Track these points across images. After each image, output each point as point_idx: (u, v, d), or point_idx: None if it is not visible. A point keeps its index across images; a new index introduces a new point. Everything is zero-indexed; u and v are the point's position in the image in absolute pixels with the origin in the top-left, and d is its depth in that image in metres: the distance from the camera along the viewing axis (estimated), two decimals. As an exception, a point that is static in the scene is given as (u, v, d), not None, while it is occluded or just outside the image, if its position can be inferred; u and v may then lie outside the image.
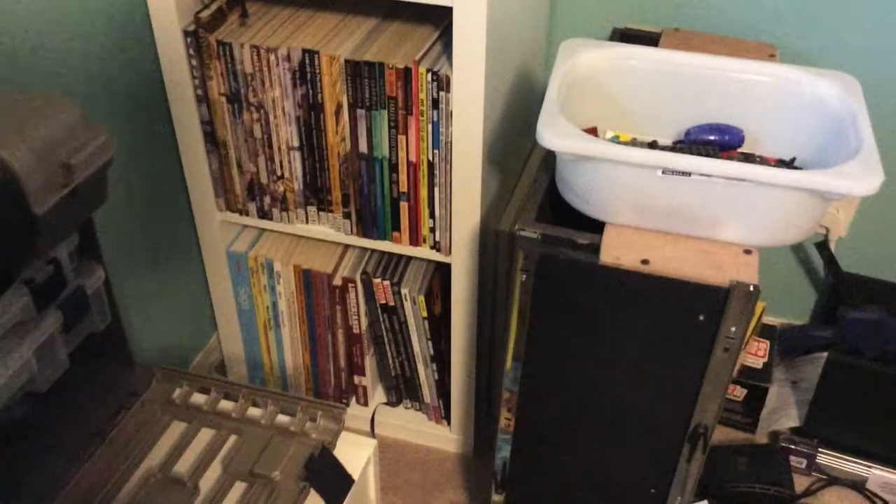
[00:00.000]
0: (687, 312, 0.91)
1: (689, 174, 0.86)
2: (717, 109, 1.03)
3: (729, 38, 1.31)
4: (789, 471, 1.42)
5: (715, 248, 0.92)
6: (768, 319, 1.66)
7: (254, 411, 1.01)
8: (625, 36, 1.34)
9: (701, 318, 0.90)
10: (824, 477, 1.46)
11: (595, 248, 0.92)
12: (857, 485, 1.45)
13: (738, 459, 1.44)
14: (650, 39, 1.31)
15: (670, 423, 1.00)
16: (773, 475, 1.41)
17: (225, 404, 1.02)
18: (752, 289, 0.87)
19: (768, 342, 1.58)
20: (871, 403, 1.43)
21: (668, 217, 0.92)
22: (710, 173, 0.84)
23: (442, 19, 1.21)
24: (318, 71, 1.14)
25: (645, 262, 0.90)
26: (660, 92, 1.03)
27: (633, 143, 1.01)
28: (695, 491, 1.39)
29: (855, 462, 1.46)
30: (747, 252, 0.91)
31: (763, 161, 1.00)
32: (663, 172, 0.87)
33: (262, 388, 0.99)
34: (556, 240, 0.93)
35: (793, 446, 1.49)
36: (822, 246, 1.54)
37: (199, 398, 1.02)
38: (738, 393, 1.53)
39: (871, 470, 1.45)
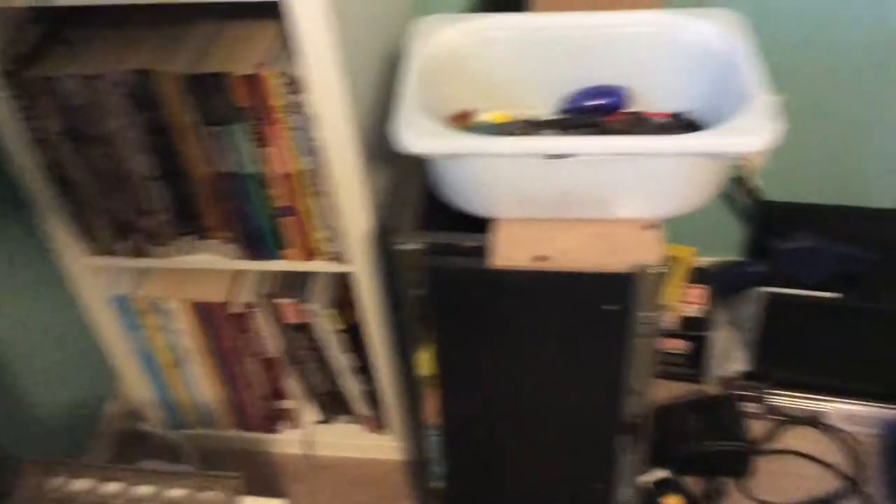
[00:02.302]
0: (593, 304, 0.82)
1: (569, 156, 0.77)
2: (598, 70, 0.93)
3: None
4: (741, 420, 1.36)
5: (613, 228, 0.83)
6: (701, 261, 1.59)
7: (144, 489, 0.90)
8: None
9: (609, 307, 0.82)
10: (780, 418, 1.41)
11: (484, 251, 0.82)
12: (816, 421, 1.40)
13: (689, 417, 1.38)
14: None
15: (601, 417, 0.92)
16: (726, 428, 1.35)
17: (110, 486, 0.91)
18: (656, 270, 0.78)
19: (703, 287, 1.51)
20: (817, 335, 1.37)
21: (558, 203, 0.82)
22: (581, 152, 0.75)
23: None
24: (156, 91, 1.02)
25: (540, 258, 0.81)
26: (531, 61, 0.92)
27: (511, 123, 0.91)
28: (651, 460, 1.33)
29: (810, 398, 1.41)
30: (649, 227, 0.82)
31: (647, 121, 0.91)
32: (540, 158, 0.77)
33: (142, 469, 0.89)
34: (442, 248, 0.83)
35: (743, 392, 1.43)
36: (742, 181, 1.47)
37: (80, 484, 0.91)
38: (681, 346, 1.46)
39: (829, 404, 1.40)
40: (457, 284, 0.82)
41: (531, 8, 1.11)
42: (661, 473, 1.28)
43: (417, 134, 0.76)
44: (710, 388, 1.47)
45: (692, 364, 1.48)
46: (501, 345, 0.87)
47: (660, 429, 1.37)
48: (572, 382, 0.89)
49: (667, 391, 1.46)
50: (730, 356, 1.49)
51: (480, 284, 0.82)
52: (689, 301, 1.48)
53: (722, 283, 1.54)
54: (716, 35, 0.86)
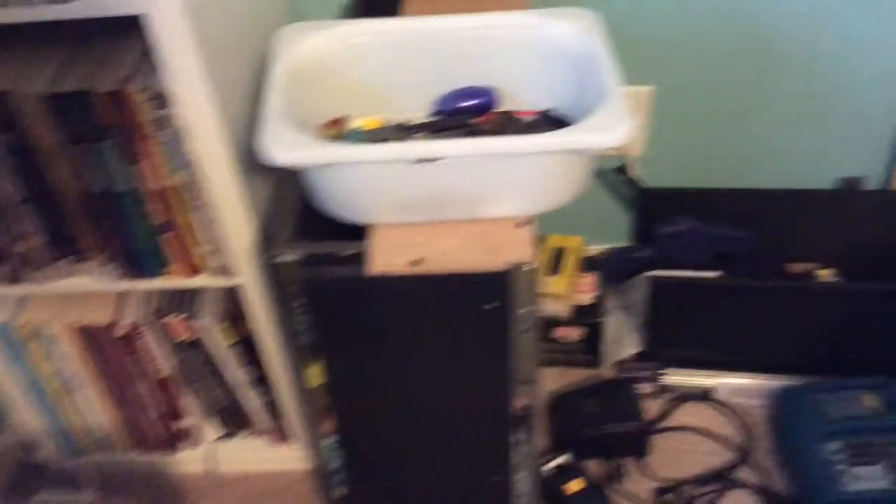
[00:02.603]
0: (472, 303, 0.83)
1: (437, 160, 0.77)
2: (468, 71, 0.94)
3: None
4: (636, 401, 1.41)
5: (489, 227, 0.84)
6: (592, 250, 1.63)
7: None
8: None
9: (488, 306, 0.83)
10: (674, 396, 1.46)
11: (362, 258, 0.82)
12: (707, 396, 1.46)
13: (587, 402, 1.41)
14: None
15: (492, 412, 0.94)
16: (622, 410, 1.39)
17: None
18: (527, 268, 0.80)
19: (594, 275, 1.55)
20: (702, 314, 1.42)
21: (432, 206, 0.83)
22: (445, 155, 0.76)
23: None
24: (17, 112, 0.98)
25: (416, 262, 0.82)
26: (401, 65, 0.93)
27: (382, 129, 0.91)
28: (552, 447, 1.36)
29: (701, 375, 1.46)
30: (522, 225, 0.84)
31: (517, 121, 0.92)
32: (410, 163, 0.77)
33: (39, 502, 0.85)
34: (320, 258, 0.83)
35: (637, 374, 1.47)
36: (620, 171, 1.51)
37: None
38: (576, 334, 1.49)
39: (718, 379, 1.46)
40: (337, 294, 0.82)
41: (403, 12, 1.12)
42: (561, 459, 1.31)
43: (281, 145, 0.76)
44: (607, 373, 1.51)
45: (588, 350, 1.51)
46: (387, 350, 0.87)
47: (559, 416, 1.41)
48: (460, 381, 0.90)
49: (565, 378, 1.50)
50: (623, 340, 1.53)
51: (360, 292, 0.82)
52: (581, 289, 1.51)
53: (611, 269, 1.58)
54: (574, 34, 0.89)
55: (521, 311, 0.83)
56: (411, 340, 0.87)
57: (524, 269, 0.80)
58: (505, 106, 0.96)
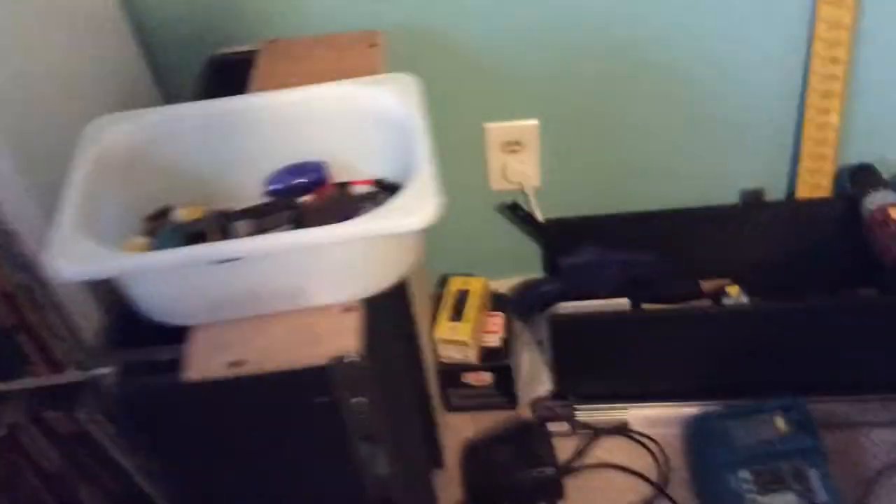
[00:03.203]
0: (303, 399, 0.79)
1: (239, 259, 0.74)
2: (295, 147, 0.91)
3: (329, 36, 1.19)
4: (550, 443, 1.37)
5: (314, 317, 0.80)
6: (502, 285, 1.59)
7: None
8: (218, 64, 1.19)
9: (320, 399, 0.79)
10: (588, 433, 1.42)
11: (177, 364, 0.78)
12: (623, 429, 1.42)
13: (499, 449, 1.38)
14: (247, 62, 1.16)
15: (348, 499, 0.89)
16: (535, 454, 1.36)
17: None
18: (351, 360, 0.76)
19: (503, 314, 1.52)
20: (604, 346, 1.39)
21: (252, 300, 0.79)
22: (242, 254, 0.72)
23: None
24: None
25: (236, 363, 0.78)
26: (223, 148, 0.89)
27: (202, 220, 0.87)
28: (466, 500, 1.32)
29: (614, 408, 1.43)
30: (348, 310, 0.80)
31: (347, 194, 0.89)
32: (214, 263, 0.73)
33: None
34: (134, 366, 0.78)
35: (551, 413, 1.44)
36: (514, 207, 1.48)
37: None
38: (487, 378, 1.46)
39: (631, 411, 1.42)
40: (155, 404, 0.78)
41: (253, 85, 1.08)
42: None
43: (68, 258, 0.72)
44: (523, 413, 1.47)
45: (502, 393, 1.48)
46: (223, 455, 0.83)
47: (471, 466, 1.37)
48: (306, 477, 0.86)
49: (479, 424, 1.46)
50: (537, 378, 1.50)
51: (181, 400, 0.78)
52: (489, 331, 1.48)
53: (519, 305, 1.55)
54: (392, 101, 0.85)
55: (355, 400, 0.79)
56: (249, 443, 0.83)
57: (349, 359, 0.76)
58: (341, 177, 0.93)
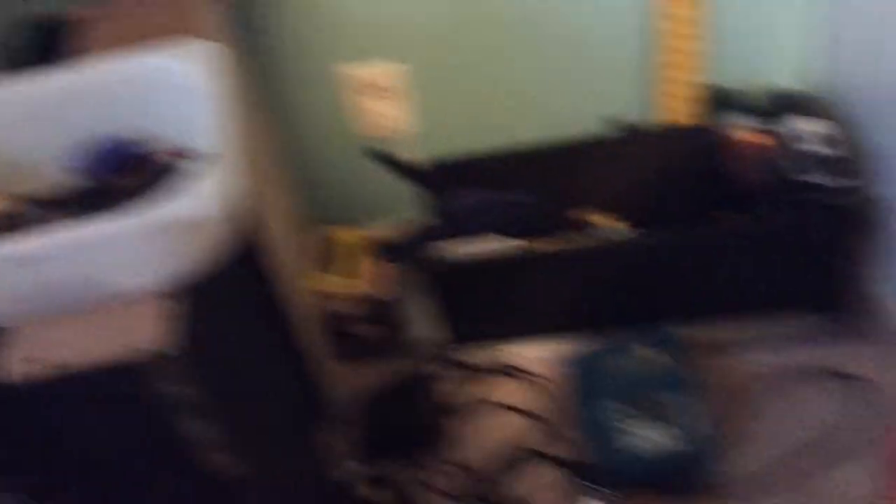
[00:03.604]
0: (118, 394, 0.78)
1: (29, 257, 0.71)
2: (99, 121, 0.87)
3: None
4: (436, 389, 1.39)
5: (119, 311, 0.78)
6: (384, 234, 1.58)
7: None
8: (30, 28, 1.12)
9: (130, 392, 0.78)
10: (475, 375, 1.44)
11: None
12: (505, 369, 1.44)
13: (385, 397, 1.40)
14: (62, 25, 1.10)
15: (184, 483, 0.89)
16: (423, 402, 1.38)
17: None
18: (159, 350, 0.74)
19: (388, 261, 1.51)
20: (494, 286, 1.40)
21: (52, 297, 0.77)
22: (26, 254, 0.69)
23: None
24: None
25: (40, 362, 0.75)
26: (21, 126, 0.85)
27: (9, 210, 0.83)
28: (355, 453, 1.33)
29: (497, 349, 1.45)
30: (159, 299, 0.79)
31: (165, 168, 0.85)
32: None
33: None
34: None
35: (439, 358, 1.45)
36: (378, 155, 1.45)
37: None
38: (374, 328, 1.46)
39: (513, 350, 1.44)
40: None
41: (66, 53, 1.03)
42: (354, 464, 1.29)
43: None
44: (411, 360, 1.48)
45: (390, 340, 1.48)
46: (49, 458, 0.82)
47: (358, 416, 1.38)
48: (142, 474, 0.85)
49: (368, 373, 1.47)
50: (424, 324, 1.51)
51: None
52: (375, 279, 1.47)
53: (402, 252, 1.54)
54: (192, 70, 0.82)
55: (174, 388, 0.78)
56: (75, 444, 0.81)
57: (156, 348, 0.74)
58: (158, 149, 0.89)
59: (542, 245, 1.44)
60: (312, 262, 1.45)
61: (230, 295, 0.94)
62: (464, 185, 1.48)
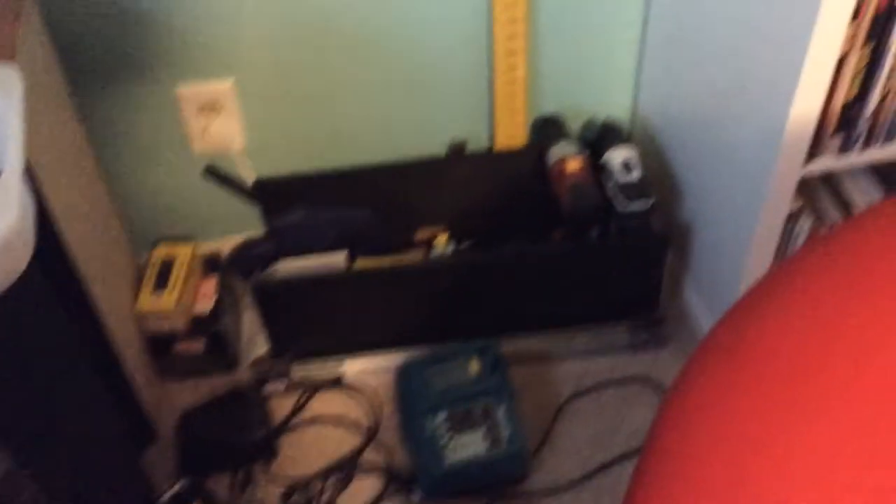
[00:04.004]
0: None
1: None
2: None
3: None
4: (263, 404, 1.40)
5: None
6: (222, 245, 1.57)
7: None
8: None
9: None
10: (305, 389, 1.46)
11: None
12: (336, 382, 1.47)
13: (211, 416, 1.39)
14: None
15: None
16: (247, 417, 1.38)
17: None
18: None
19: (217, 276, 1.50)
20: (313, 303, 1.41)
21: None
22: None
23: None
24: None
25: None
26: None
27: None
28: (179, 472, 1.32)
29: (327, 363, 1.47)
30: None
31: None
32: None
33: None
34: None
35: (269, 373, 1.46)
36: (212, 172, 1.45)
37: None
38: (198, 345, 1.45)
39: (344, 363, 1.47)
40: None
41: None
42: (177, 487, 1.28)
43: None
44: (242, 376, 1.48)
45: (217, 358, 1.48)
46: None
47: (183, 437, 1.37)
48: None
49: (197, 391, 1.46)
50: (256, 339, 1.51)
51: None
52: (201, 296, 1.46)
53: (237, 267, 1.54)
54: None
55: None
56: None
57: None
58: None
59: (372, 262, 1.48)
60: (138, 279, 1.43)
61: (30, 317, 0.92)
62: (298, 202, 1.49)
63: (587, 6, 1.42)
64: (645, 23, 1.46)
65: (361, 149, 1.54)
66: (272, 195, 1.51)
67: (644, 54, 1.50)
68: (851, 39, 1.01)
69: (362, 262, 1.53)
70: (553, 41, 1.45)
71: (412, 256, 1.57)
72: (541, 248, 1.45)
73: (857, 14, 0.99)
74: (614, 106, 1.59)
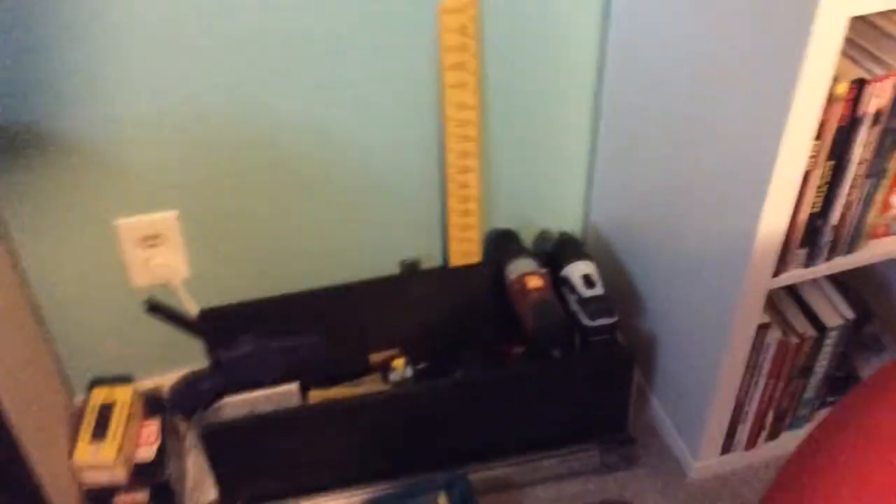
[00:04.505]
0: None
1: None
2: None
3: None
4: (214, 560, 1.27)
5: None
6: (165, 381, 1.47)
7: None
8: None
9: None
10: (259, 537, 1.34)
11: None
12: (293, 527, 1.35)
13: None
14: None
15: None
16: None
17: None
18: None
19: (160, 418, 1.39)
20: (261, 446, 1.31)
21: None
22: None
23: None
24: None
25: None
26: None
27: None
28: None
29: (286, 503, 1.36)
30: None
31: None
32: None
33: None
34: None
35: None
36: (153, 307, 1.37)
37: None
38: (141, 497, 1.32)
39: (300, 503, 1.36)
40: None
41: None
42: None
43: None
44: (188, 525, 1.36)
45: (162, 506, 1.35)
46: None
47: None
48: None
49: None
50: (203, 483, 1.40)
51: None
52: (142, 442, 1.35)
53: (180, 405, 1.44)
54: None
55: None
56: None
57: None
58: None
59: (326, 393, 1.40)
60: (75, 426, 1.31)
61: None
62: (244, 332, 1.41)
63: (537, 122, 1.41)
64: (595, 136, 1.46)
65: (312, 273, 1.48)
66: (218, 326, 1.43)
67: (595, 167, 1.49)
68: (815, 157, 1.01)
69: (315, 393, 1.44)
70: (504, 157, 1.44)
71: (369, 382, 1.49)
72: (505, 371, 1.39)
73: (819, 135, 0.99)
74: (567, 217, 1.57)
